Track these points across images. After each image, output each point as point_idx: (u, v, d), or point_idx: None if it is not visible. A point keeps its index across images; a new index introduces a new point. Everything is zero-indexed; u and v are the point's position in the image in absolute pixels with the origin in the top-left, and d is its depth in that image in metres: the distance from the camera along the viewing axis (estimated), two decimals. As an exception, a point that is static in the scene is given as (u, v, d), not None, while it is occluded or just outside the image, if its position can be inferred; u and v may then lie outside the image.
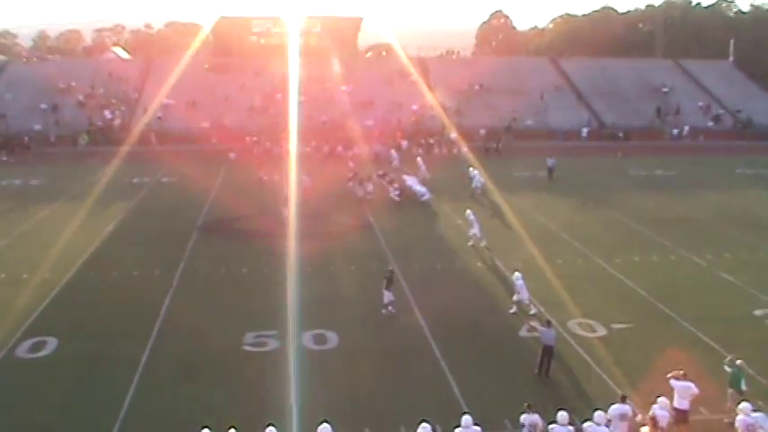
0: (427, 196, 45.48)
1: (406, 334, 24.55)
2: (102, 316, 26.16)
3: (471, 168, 50.24)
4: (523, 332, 24.56)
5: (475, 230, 35.05)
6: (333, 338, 24.00)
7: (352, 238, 37.57)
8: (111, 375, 21.34)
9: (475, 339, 24.07)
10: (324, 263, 32.46)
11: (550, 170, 55.21)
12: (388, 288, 26.25)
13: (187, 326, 25.18)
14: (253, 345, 23.51)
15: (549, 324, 21.88)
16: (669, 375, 18.10)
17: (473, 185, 48.08)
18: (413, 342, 23.87)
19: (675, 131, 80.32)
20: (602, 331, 24.63)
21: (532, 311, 26.01)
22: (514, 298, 26.44)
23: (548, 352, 21.13)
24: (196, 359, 22.50)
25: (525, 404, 17.08)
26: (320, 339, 23.94)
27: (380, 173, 51.04)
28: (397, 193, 45.34)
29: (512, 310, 26.26)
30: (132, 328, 24.96)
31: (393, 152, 62.10)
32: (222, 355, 22.70)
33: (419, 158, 56.32)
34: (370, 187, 47.02)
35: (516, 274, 26.86)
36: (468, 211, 36.14)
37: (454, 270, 32.08)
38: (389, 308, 26.09)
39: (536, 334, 22.54)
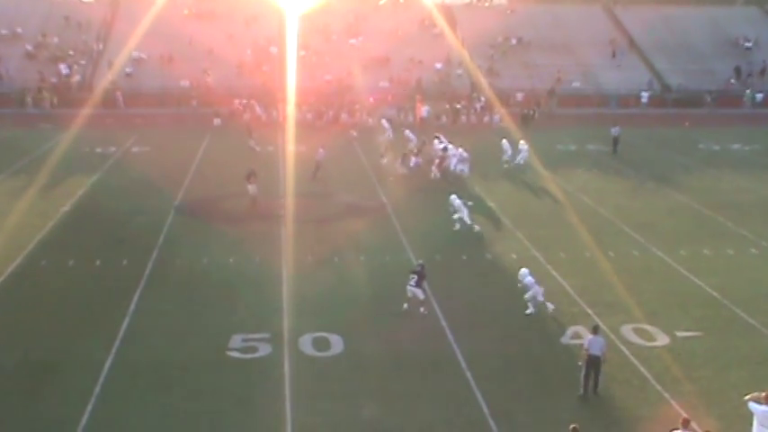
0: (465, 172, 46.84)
1: (424, 339, 24.57)
2: (56, 314, 26.24)
3: (505, 140, 50.49)
4: (566, 339, 24.55)
5: (462, 214, 35.77)
6: (337, 343, 24.02)
7: (362, 223, 37.58)
8: (67, 386, 21.37)
9: (507, 346, 24.06)
10: (327, 252, 32.49)
11: (615, 141, 55.59)
12: (418, 284, 26.36)
13: (161, 326, 25.26)
14: (240, 350, 23.54)
15: (596, 330, 21.70)
16: (748, 398, 17.97)
17: (505, 158, 49.06)
18: (432, 348, 23.88)
19: (760, 96, 79.86)
20: (663, 340, 24.56)
21: (550, 309, 26.34)
22: (527, 296, 26.59)
23: (594, 364, 21.00)
24: (171, 366, 22.56)
25: (571, 427, 17.03)
26: (321, 344, 23.97)
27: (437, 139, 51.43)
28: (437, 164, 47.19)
29: (528, 311, 26.35)
30: (94, 328, 25.04)
31: (384, 122, 61.29)
32: (203, 362, 22.76)
33: (407, 131, 57.08)
34: (414, 161, 48.16)
35: (523, 270, 27.12)
36: (453, 196, 36.63)
37: (483, 262, 32.09)
38: (422, 309, 26.34)
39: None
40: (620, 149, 54.92)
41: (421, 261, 28.11)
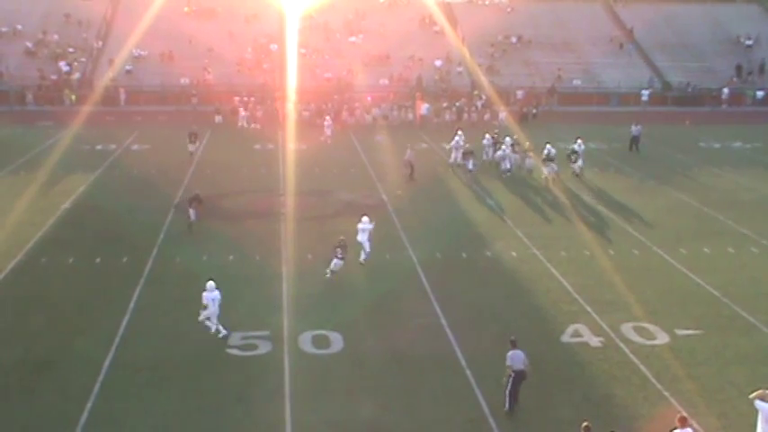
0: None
1: (424, 336, 24.54)
2: (56, 311, 26.21)
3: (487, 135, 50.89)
4: (566, 337, 24.52)
5: (363, 242, 31.50)
6: (336, 341, 24.00)
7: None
8: (66, 384, 21.34)
9: (506, 344, 23.93)
10: (327, 250, 32.32)
11: (635, 140, 55.79)
12: (342, 257, 28.92)
13: (160, 324, 25.25)
14: (240, 347, 23.53)
15: (514, 344, 20.54)
16: (753, 395, 17.84)
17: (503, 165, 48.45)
18: (433, 346, 23.84)
19: (761, 94, 79.76)
20: (663, 338, 24.51)
21: (214, 329, 24.03)
22: (203, 315, 24.22)
23: (521, 379, 20.01)
24: (171, 364, 22.54)
25: (583, 425, 16.87)
26: (321, 342, 23.95)
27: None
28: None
29: (201, 317, 24.22)
30: (93, 326, 25.01)
31: (328, 120, 60.81)
32: (202, 360, 22.74)
33: (328, 117, 58.86)
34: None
35: (209, 283, 24.33)
36: (366, 218, 31.80)
37: (483, 260, 32.04)
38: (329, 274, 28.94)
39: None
40: (640, 149, 55.13)
41: (342, 237, 29.72)
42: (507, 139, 49.88)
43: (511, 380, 19.94)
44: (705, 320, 25.86)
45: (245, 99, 69.78)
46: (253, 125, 64.36)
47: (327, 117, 60.97)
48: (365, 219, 31.56)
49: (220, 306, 24.05)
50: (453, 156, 49.71)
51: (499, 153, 48.54)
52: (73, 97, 73.14)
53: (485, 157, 50.00)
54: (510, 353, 20.26)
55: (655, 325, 25.33)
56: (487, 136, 51.08)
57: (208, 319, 24.11)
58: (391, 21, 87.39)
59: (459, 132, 50.73)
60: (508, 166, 47.53)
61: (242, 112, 66.55)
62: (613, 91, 79.96)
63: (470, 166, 47.25)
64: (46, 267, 30.62)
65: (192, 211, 35.32)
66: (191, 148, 51.11)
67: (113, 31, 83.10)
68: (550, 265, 31.03)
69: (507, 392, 19.95)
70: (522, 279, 29.91)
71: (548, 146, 46.89)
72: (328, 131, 58.21)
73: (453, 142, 50.07)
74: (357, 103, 70.22)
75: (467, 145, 49.16)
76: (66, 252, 32.06)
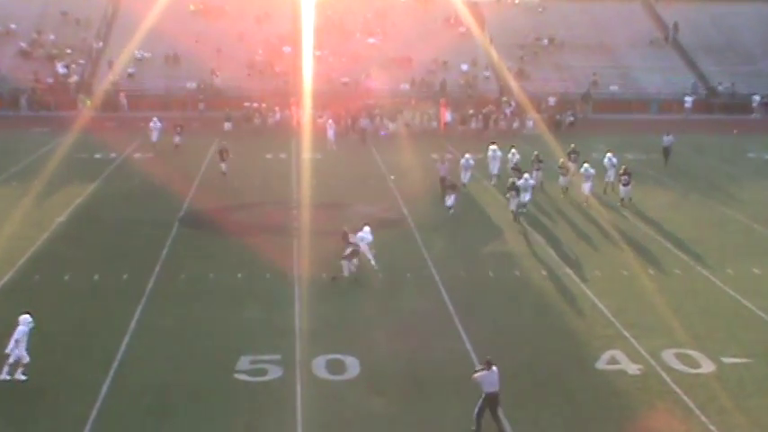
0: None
1: (446, 361, 24.50)
2: (51, 332, 26.12)
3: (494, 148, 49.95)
4: (602, 364, 24.40)
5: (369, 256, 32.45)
6: (352, 366, 24.00)
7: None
8: (61, 412, 21.37)
9: (536, 370, 23.96)
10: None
11: (666, 150, 55.19)
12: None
13: (163, 346, 25.30)
14: (249, 372, 23.53)
15: (490, 364, 20.56)
16: None
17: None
18: (455, 372, 23.68)
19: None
20: (708, 366, 24.34)
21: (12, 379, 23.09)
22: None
23: (493, 401, 20.12)
24: (174, 390, 22.57)
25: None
26: (336, 367, 23.96)
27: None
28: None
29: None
30: (90, 348, 25.10)
31: (330, 123, 61.16)
32: (208, 386, 22.74)
33: (331, 121, 60.33)
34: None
35: (24, 316, 23.45)
36: (367, 228, 32.70)
37: (510, 280, 32.03)
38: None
39: None
40: (671, 160, 54.63)
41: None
42: (513, 151, 49.55)
43: (481, 402, 19.95)
44: (755, 347, 25.66)
45: (256, 105, 70.08)
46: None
47: (330, 120, 61.27)
48: (366, 228, 32.34)
49: (28, 342, 23.06)
50: (492, 168, 49.06)
51: (521, 182, 41.35)
52: (88, 102, 73.32)
53: (493, 171, 48.91)
54: (483, 373, 20.29)
55: (699, 352, 25.16)
56: (494, 147, 49.91)
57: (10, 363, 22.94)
58: (413, 21, 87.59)
59: (493, 147, 50.10)
60: (527, 198, 41.42)
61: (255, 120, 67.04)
62: (653, 97, 79.91)
63: (449, 202, 41.02)
64: (39, 285, 30.75)
65: (345, 263, 31.07)
66: (223, 167, 49.17)
67: (114, 31, 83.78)
68: (584, 285, 30.96)
69: (476, 411, 19.87)
70: (553, 300, 29.86)
71: (585, 165, 45.42)
72: (332, 135, 58.85)
73: (490, 152, 49.44)
74: (377, 109, 70.16)
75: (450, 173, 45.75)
76: (61, 269, 32.19)
